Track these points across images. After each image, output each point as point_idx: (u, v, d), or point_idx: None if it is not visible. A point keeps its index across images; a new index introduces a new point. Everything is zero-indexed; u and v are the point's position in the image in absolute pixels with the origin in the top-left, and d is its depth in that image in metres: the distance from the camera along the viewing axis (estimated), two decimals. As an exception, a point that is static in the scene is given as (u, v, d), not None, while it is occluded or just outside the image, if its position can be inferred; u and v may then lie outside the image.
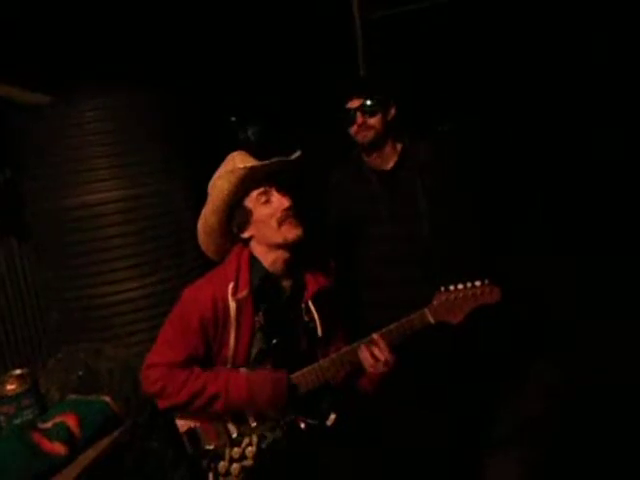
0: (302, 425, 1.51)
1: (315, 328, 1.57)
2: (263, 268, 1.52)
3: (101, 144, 2.65)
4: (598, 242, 4.00)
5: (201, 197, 1.57)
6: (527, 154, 4.82)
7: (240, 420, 1.52)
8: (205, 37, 3.94)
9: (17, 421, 1.57)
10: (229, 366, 1.51)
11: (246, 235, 1.53)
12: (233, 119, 5.01)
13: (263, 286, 1.52)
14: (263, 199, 1.49)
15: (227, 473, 1.49)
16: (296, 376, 1.51)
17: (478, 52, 4.63)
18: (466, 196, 2.00)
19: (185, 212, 2.82)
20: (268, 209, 1.48)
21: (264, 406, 1.46)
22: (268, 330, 1.52)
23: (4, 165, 2.85)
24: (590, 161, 4.53)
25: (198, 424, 1.52)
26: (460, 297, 1.51)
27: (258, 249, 1.53)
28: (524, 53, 4.58)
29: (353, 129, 1.88)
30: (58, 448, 1.46)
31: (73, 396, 1.91)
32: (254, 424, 1.52)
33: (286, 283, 1.57)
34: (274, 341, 1.52)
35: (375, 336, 1.51)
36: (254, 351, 1.52)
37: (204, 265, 1.67)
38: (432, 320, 1.52)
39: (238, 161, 1.50)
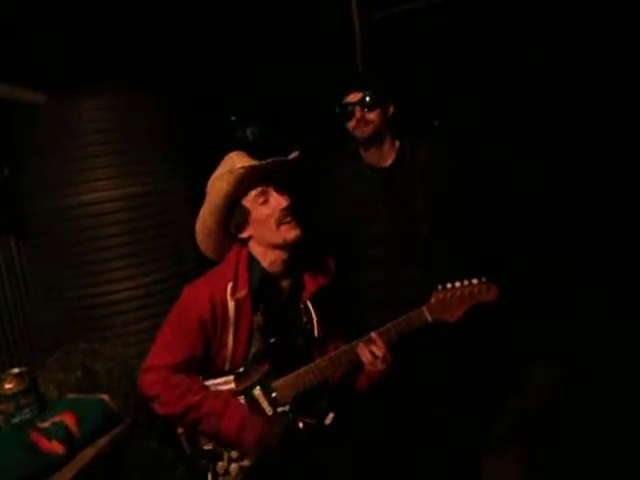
0: (301, 424, 1.51)
1: (312, 329, 1.57)
2: (262, 268, 1.52)
3: (101, 143, 2.66)
4: (598, 242, 4.00)
5: (200, 197, 1.56)
6: (527, 154, 4.83)
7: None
8: (205, 37, 3.94)
9: (15, 420, 1.57)
10: (228, 365, 1.51)
11: (244, 235, 1.52)
12: (233, 119, 5.02)
13: (262, 286, 1.51)
14: (261, 199, 1.48)
15: (226, 473, 1.49)
16: (294, 376, 1.51)
17: (475, 50, 4.65)
18: (465, 197, 1.99)
19: (184, 211, 2.82)
20: (266, 209, 1.48)
21: (250, 441, 1.44)
22: (266, 330, 1.52)
23: (3, 164, 2.85)
24: (590, 161, 4.53)
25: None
26: (457, 295, 1.51)
27: (257, 249, 1.53)
28: (519, 49, 4.60)
29: (351, 124, 1.84)
30: (56, 447, 1.46)
31: (71, 395, 1.91)
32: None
33: (285, 283, 1.57)
34: (272, 340, 1.52)
35: (373, 334, 1.51)
36: (252, 351, 1.52)
37: (203, 265, 1.67)
38: (430, 318, 1.52)
39: (236, 161, 1.49)
